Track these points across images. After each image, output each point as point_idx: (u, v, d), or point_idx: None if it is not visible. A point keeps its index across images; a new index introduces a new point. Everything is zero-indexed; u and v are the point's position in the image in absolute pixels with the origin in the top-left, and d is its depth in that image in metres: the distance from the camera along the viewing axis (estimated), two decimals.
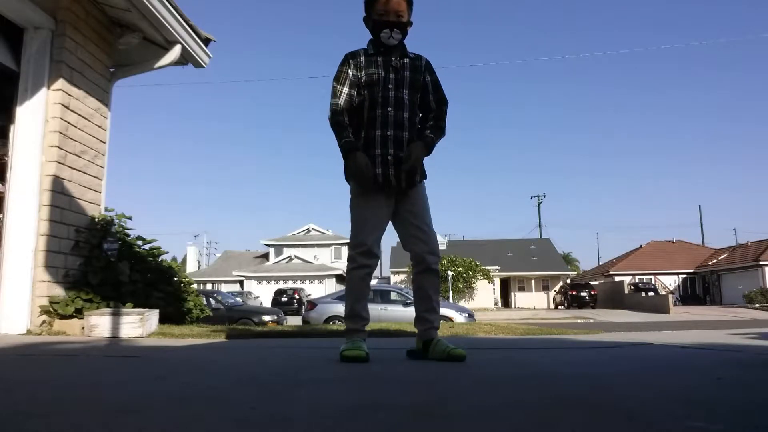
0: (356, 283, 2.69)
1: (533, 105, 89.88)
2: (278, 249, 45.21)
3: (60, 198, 4.67)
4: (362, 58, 2.69)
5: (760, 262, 33.44)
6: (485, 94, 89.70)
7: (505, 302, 40.17)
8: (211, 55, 5.94)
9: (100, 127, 5.27)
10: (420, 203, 2.74)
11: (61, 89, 4.67)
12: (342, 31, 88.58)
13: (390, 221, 2.77)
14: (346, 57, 2.72)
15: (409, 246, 2.71)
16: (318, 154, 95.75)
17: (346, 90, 2.67)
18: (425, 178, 2.79)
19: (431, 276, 2.71)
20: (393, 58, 2.70)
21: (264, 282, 41.13)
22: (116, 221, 5.33)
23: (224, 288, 37.29)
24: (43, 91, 4.63)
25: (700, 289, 41.64)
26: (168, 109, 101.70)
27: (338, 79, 2.69)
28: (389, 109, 2.65)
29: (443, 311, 13.32)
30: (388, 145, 2.63)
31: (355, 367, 2.35)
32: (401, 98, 2.67)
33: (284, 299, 30.95)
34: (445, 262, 31.97)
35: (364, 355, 2.48)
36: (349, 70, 2.68)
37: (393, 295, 13.68)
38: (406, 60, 2.74)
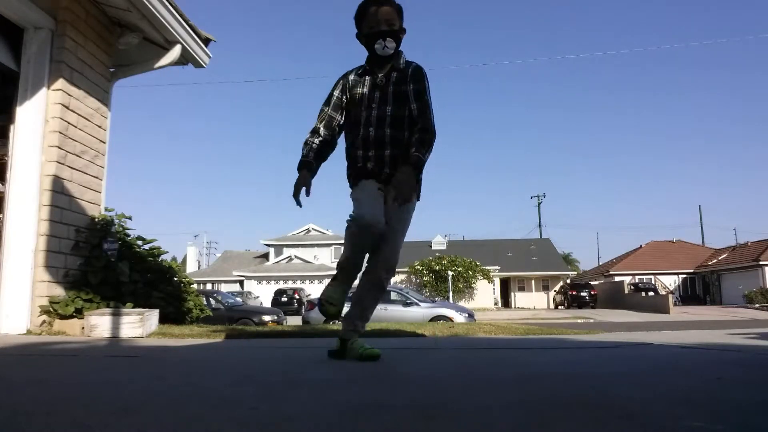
0: (351, 238, 2.50)
1: (533, 105, 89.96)
2: (278, 249, 45.18)
3: (60, 198, 4.67)
4: (352, 77, 2.70)
5: (760, 262, 33.44)
6: (485, 93, 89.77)
7: (505, 302, 40.13)
8: (211, 55, 5.95)
9: (100, 127, 5.27)
10: (397, 212, 2.56)
11: (61, 89, 4.67)
12: (342, 30, 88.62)
13: None
14: (338, 79, 2.75)
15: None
16: None
17: (329, 113, 2.70)
18: (418, 199, 2.67)
19: (375, 290, 2.67)
20: (379, 75, 2.63)
21: (264, 282, 41.11)
22: (116, 221, 5.33)
23: (224, 288, 37.27)
24: (43, 91, 4.63)
25: (700, 289, 41.62)
26: (168, 109, 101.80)
27: (328, 102, 2.72)
28: (370, 129, 2.59)
29: (444, 311, 13.53)
30: (369, 165, 2.58)
31: (356, 367, 2.35)
32: (383, 116, 2.58)
33: (284, 299, 30.94)
34: (445, 262, 31.95)
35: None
36: (336, 92, 2.70)
37: (393, 295, 13.69)
38: (394, 73, 2.63)
